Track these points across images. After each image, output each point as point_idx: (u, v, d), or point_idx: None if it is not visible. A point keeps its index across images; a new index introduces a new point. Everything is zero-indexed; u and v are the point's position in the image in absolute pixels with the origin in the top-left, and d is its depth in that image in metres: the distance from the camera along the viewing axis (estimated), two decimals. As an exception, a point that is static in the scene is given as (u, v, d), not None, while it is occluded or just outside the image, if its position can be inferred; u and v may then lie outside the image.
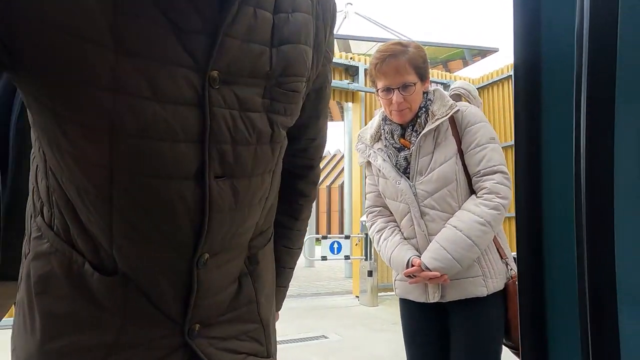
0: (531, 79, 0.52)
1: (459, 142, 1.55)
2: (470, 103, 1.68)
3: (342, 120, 7.87)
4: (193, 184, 0.63)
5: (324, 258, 6.74)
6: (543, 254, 0.53)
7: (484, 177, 1.51)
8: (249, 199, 0.71)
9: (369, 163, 1.73)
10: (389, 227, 1.68)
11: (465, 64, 11.13)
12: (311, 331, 4.77)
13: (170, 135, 0.60)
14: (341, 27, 13.55)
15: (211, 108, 0.62)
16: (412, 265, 1.53)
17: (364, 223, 6.52)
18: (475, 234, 1.46)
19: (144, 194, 0.62)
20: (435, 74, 8.12)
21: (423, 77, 1.58)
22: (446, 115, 1.54)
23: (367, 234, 6.41)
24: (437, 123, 1.53)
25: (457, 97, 1.73)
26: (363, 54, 8.49)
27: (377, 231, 1.71)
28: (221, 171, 0.65)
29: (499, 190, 1.47)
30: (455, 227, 1.49)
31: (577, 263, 0.44)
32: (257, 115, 0.67)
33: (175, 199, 0.63)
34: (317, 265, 12.25)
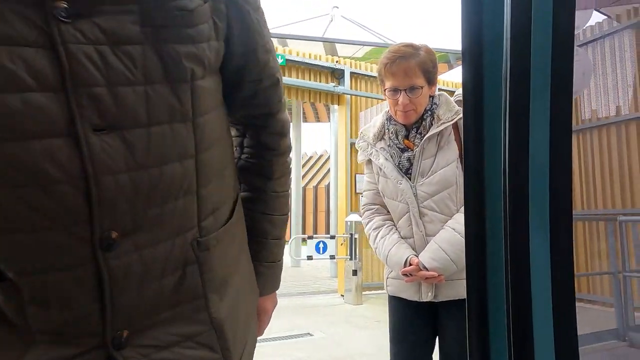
0: (476, 91, 0.63)
1: (460, 147, 1.58)
2: None
3: (329, 121, 7.99)
4: (65, 142, 0.51)
5: (309, 258, 6.84)
6: (486, 253, 0.62)
7: None
8: (155, 155, 0.57)
9: (369, 161, 1.75)
10: (386, 226, 1.71)
11: (450, 67, 11.33)
12: (296, 329, 4.86)
13: (17, 85, 0.49)
14: (327, 30, 13.69)
15: (66, 46, 0.51)
16: (410, 264, 1.57)
17: (349, 223, 6.63)
18: None
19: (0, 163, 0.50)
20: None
21: (431, 81, 1.61)
22: (451, 120, 1.58)
23: (352, 234, 6.52)
24: (441, 127, 1.58)
25: (461, 103, 1.83)
26: (349, 57, 8.61)
27: (374, 229, 1.74)
28: (101, 121, 0.53)
29: None
30: (453, 229, 1.53)
31: (504, 262, 0.55)
32: (137, 49, 0.55)
33: (43, 163, 0.50)
34: (303, 265, 12.34)
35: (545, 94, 0.47)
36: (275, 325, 4.93)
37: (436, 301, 1.58)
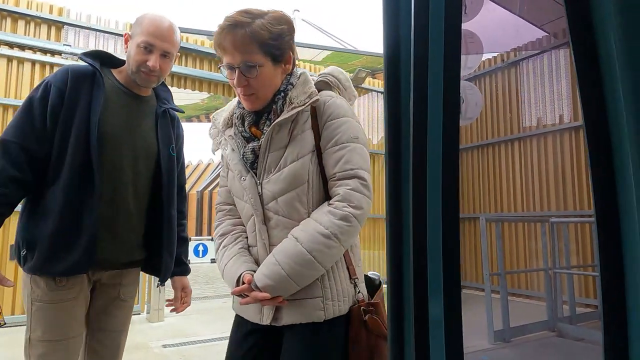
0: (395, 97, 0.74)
1: (318, 137, 1.28)
2: (340, 94, 1.41)
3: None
4: None
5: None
6: (402, 256, 0.69)
7: (339, 182, 1.24)
8: None
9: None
10: (233, 233, 1.39)
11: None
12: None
13: None
14: (288, 33, 13.75)
15: None
16: (243, 283, 1.24)
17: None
18: (317, 248, 1.18)
19: None
20: (377, 83, 8.50)
21: (276, 57, 1.27)
22: (304, 105, 1.27)
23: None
24: (292, 112, 1.26)
25: (326, 85, 1.41)
26: (308, 61, 8.75)
27: (220, 235, 1.41)
28: None
29: (352, 199, 1.21)
30: (296, 238, 1.22)
31: (411, 255, 0.66)
32: None
33: None
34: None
35: (438, 117, 0.61)
36: (214, 327, 4.98)
37: (278, 325, 1.27)
